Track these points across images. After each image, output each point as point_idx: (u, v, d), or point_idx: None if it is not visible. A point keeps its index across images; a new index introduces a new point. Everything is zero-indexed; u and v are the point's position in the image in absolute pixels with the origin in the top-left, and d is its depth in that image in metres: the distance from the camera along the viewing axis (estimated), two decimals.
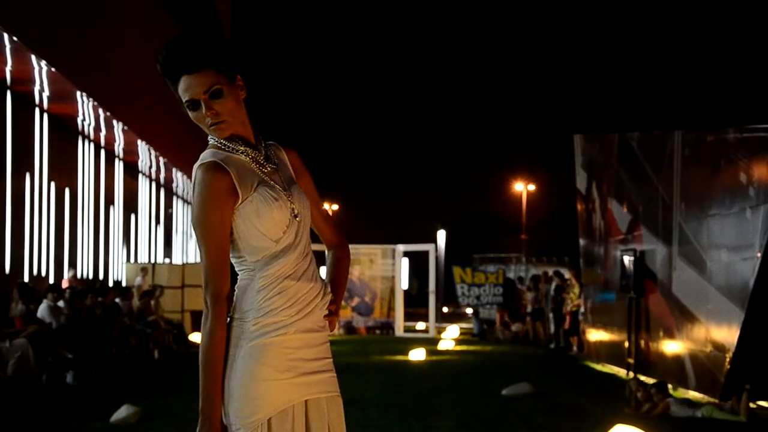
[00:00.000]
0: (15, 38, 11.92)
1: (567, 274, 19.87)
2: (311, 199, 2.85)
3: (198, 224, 2.63)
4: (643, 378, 10.77)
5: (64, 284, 16.61)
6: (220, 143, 2.70)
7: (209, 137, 2.74)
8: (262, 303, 2.65)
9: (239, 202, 2.64)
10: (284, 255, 2.67)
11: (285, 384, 2.64)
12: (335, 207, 52.11)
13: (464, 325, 26.63)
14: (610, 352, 14.10)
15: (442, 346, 18.33)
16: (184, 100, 2.66)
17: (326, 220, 2.97)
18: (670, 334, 11.35)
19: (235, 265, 2.71)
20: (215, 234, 2.63)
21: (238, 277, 2.73)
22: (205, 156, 2.68)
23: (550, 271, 21.50)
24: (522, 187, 43.79)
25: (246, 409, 2.60)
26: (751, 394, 9.25)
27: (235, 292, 2.70)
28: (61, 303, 12.57)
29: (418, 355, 15.40)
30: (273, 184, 2.70)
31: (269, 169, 2.73)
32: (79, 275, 18.28)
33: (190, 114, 2.68)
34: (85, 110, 16.76)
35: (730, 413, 8.85)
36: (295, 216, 2.71)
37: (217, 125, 2.66)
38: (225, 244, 2.64)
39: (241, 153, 2.69)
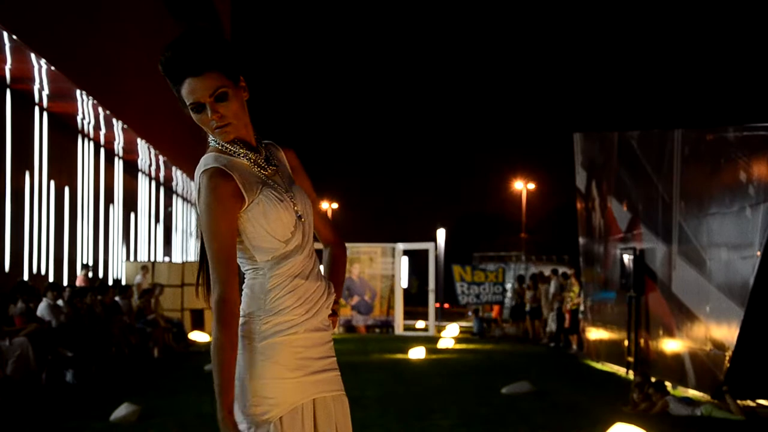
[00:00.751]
0: (15, 36, 11.91)
1: (568, 272, 19.86)
2: (310, 198, 2.86)
3: (205, 230, 2.64)
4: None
5: (78, 283, 16.76)
6: (222, 146, 2.70)
7: (210, 139, 2.73)
8: (273, 302, 2.67)
9: (246, 205, 2.65)
10: (293, 255, 2.69)
11: (295, 383, 2.66)
12: (335, 206, 52.09)
13: (464, 324, 26.64)
14: (610, 351, 14.11)
15: (441, 344, 18.34)
16: (188, 103, 2.64)
17: (323, 218, 2.98)
18: (669, 333, 11.35)
19: (242, 265, 2.72)
20: (222, 239, 2.63)
21: (246, 277, 2.74)
22: (208, 161, 2.67)
23: (547, 271, 21.49)
24: (522, 186, 43.78)
25: (258, 408, 2.63)
26: (749, 392, 9.27)
27: (244, 292, 2.71)
28: (60, 302, 12.57)
29: (417, 353, 15.40)
30: (276, 186, 2.71)
31: (270, 171, 2.73)
32: (90, 274, 18.35)
33: (194, 116, 2.67)
34: (85, 109, 16.76)
35: (729, 412, 8.85)
36: (299, 217, 2.72)
37: (222, 128, 2.66)
38: (232, 249, 2.64)
39: (243, 156, 2.69)
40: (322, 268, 2.94)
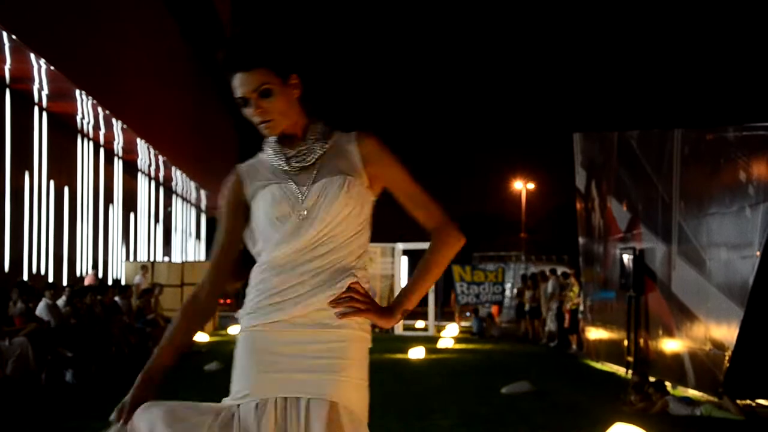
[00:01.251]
0: (14, 36, 11.92)
1: (567, 272, 19.85)
2: (394, 185, 2.78)
3: None
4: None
5: (87, 282, 16.86)
6: (264, 146, 2.79)
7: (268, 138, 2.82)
8: (247, 294, 2.73)
9: (249, 200, 2.74)
10: (276, 249, 2.66)
11: (253, 377, 2.63)
12: None
13: (464, 324, 26.64)
14: (610, 351, 14.11)
15: (441, 344, 18.33)
16: (235, 96, 2.69)
17: (417, 204, 2.81)
18: (669, 333, 11.36)
19: None
20: (217, 234, 2.80)
21: None
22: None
23: (548, 270, 21.50)
24: (521, 186, 43.80)
25: (230, 395, 2.70)
26: (749, 392, 9.27)
27: None
28: (60, 301, 12.58)
29: (417, 353, 15.40)
30: (289, 183, 2.70)
31: (303, 166, 2.72)
32: (99, 275, 18.44)
33: (242, 110, 2.72)
34: (85, 109, 16.77)
35: (729, 412, 8.86)
36: (299, 213, 2.66)
37: (265, 124, 2.69)
38: (219, 245, 2.78)
39: (271, 155, 2.75)
40: (334, 264, 2.73)
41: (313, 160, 2.72)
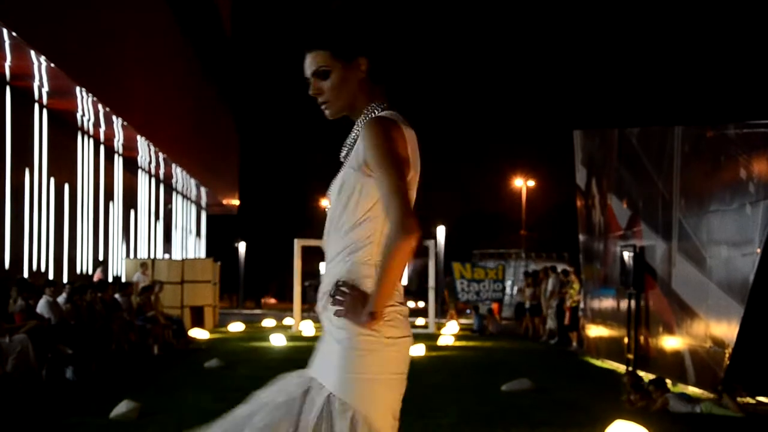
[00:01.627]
0: (14, 33, 11.91)
1: (568, 269, 19.84)
2: (375, 176, 2.62)
3: None
4: (641, 373, 10.74)
5: (95, 278, 16.90)
6: None
7: None
8: None
9: None
10: None
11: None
12: None
13: (464, 321, 26.65)
14: (610, 348, 14.11)
15: (441, 341, 18.33)
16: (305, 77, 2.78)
17: (383, 200, 2.62)
18: (669, 330, 11.36)
19: None
20: None
21: None
22: None
23: (549, 267, 21.51)
24: (521, 183, 43.78)
25: None
26: (749, 390, 9.27)
27: None
28: (60, 299, 12.58)
29: (417, 351, 15.39)
30: (337, 174, 2.81)
31: (344, 155, 2.80)
32: (104, 271, 18.49)
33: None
34: (85, 106, 16.76)
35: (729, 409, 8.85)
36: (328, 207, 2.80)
37: (323, 105, 2.76)
38: None
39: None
40: (339, 255, 2.76)
41: (346, 150, 2.78)
